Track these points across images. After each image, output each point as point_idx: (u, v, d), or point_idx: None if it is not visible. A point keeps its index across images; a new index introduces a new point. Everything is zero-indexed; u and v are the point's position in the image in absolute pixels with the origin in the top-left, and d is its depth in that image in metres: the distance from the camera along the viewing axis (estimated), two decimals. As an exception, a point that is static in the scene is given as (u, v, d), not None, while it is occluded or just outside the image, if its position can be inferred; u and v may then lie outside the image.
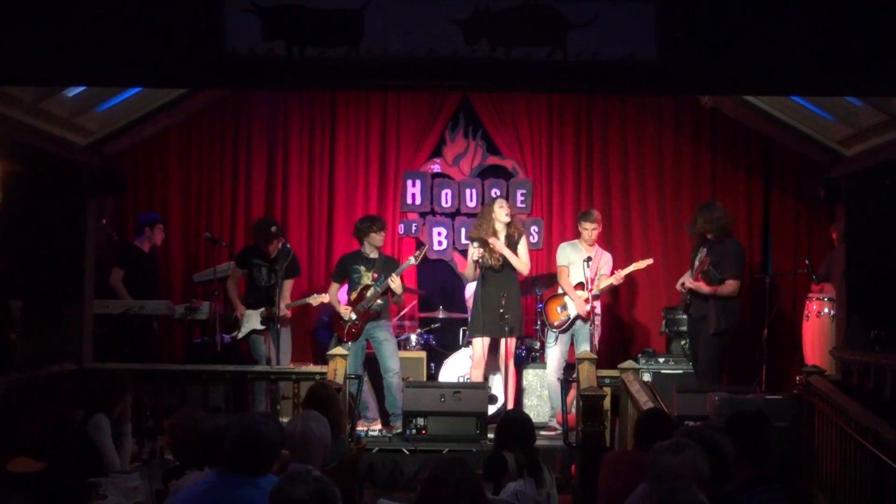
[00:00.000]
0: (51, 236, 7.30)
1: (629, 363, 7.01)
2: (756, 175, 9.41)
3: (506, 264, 7.95)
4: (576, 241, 8.38)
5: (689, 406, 6.60)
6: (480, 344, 8.01)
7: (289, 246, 8.20)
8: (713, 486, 3.31)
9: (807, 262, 8.53)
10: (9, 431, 4.69)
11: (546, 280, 8.83)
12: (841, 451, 5.88)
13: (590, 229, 8.19)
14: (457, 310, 9.07)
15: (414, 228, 9.50)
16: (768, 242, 9.34)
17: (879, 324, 7.14)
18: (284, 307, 8.10)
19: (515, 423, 5.01)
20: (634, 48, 5.57)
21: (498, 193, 9.34)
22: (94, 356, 7.57)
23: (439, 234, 9.54)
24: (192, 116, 9.30)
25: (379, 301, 8.07)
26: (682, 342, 8.39)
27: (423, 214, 9.57)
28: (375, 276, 8.08)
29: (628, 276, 8.41)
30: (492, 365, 8.20)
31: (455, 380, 8.36)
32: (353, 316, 8.03)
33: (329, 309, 8.53)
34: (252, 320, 8.17)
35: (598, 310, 8.04)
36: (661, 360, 8.52)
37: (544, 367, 8.42)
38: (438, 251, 9.51)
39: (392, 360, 8.03)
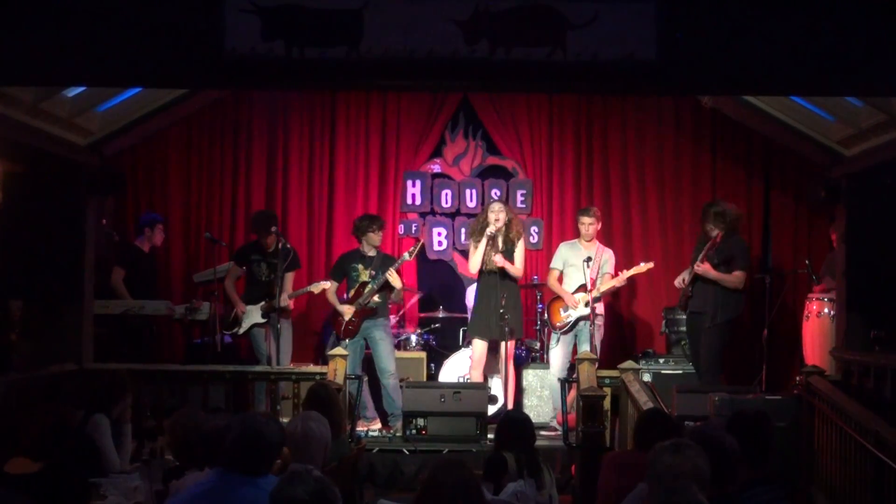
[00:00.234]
0: (51, 236, 7.30)
1: (629, 363, 7.00)
2: (756, 175, 9.41)
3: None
4: (575, 240, 8.38)
5: (689, 406, 6.61)
6: (480, 344, 8.01)
7: (289, 246, 8.20)
8: (716, 486, 3.31)
9: (807, 262, 8.53)
10: (9, 432, 4.69)
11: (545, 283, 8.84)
12: (841, 451, 5.88)
13: (586, 223, 8.19)
14: (457, 310, 9.08)
15: (414, 228, 9.50)
16: (768, 243, 9.34)
17: (879, 324, 7.14)
18: (287, 297, 8.09)
19: (515, 423, 5.01)
20: (634, 48, 5.57)
21: (498, 194, 9.34)
22: (94, 356, 7.57)
23: (439, 234, 9.54)
24: (192, 116, 9.30)
25: (376, 298, 8.07)
26: (682, 342, 8.39)
27: (423, 214, 9.57)
28: (373, 273, 8.08)
29: (629, 277, 8.40)
30: (492, 365, 8.20)
31: (455, 380, 8.35)
32: (351, 313, 8.03)
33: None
34: (253, 315, 8.17)
35: (598, 310, 8.03)
36: (661, 360, 8.52)
37: (544, 368, 8.43)
38: (438, 251, 9.51)
39: (387, 360, 8.02)
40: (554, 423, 8.02)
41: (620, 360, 7.13)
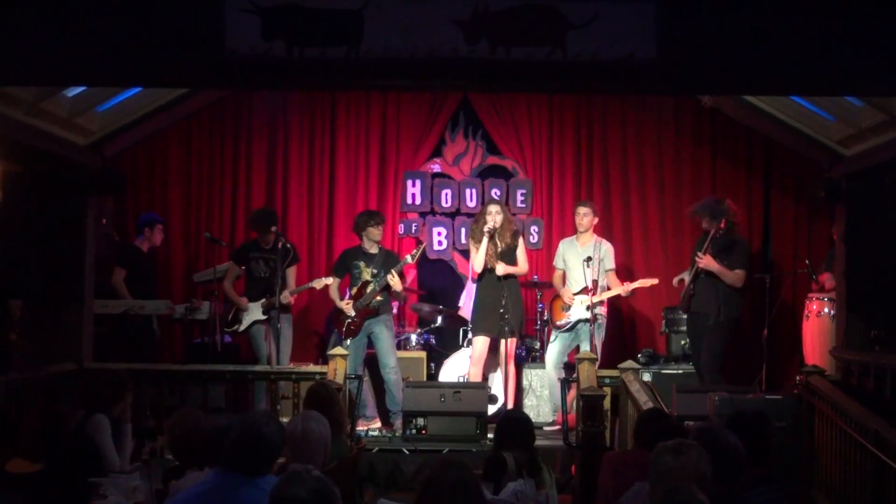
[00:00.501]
0: (51, 236, 7.30)
1: (629, 363, 7.00)
2: (756, 175, 9.41)
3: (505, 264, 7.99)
4: (572, 237, 8.38)
5: (689, 406, 6.61)
6: (481, 342, 8.02)
7: (289, 246, 8.20)
8: (720, 486, 3.31)
9: (807, 262, 8.53)
10: (8, 432, 4.70)
11: (546, 283, 8.84)
12: (841, 451, 5.88)
13: (581, 214, 8.19)
14: (457, 309, 9.08)
15: (414, 228, 9.50)
16: (768, 242, 9.34)
17: (879, 324, 7.14)
18: (288, 293, 8.08)
19: (515, 423, 5.01)
20: (634, 48, 5.57)
21: (498, 194, 9.35)
22: (94, 356, 7.57)
23: (439, 234, 9.54)
24: (192, 116, 9.30)
25: (379, 298, 8.07)
26: (683, 342, 8.39)
27: (423, 214, 9.57)
28: (374, 272, 8.08)
29: (634, 289, 8.38)
30: (492, 364, 8.20)
31: (455, 380, 8.36)
32: (353, 313, 8.03)
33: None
34: (253, 312, 8.17)
35: (600, 310, 8.03)
36: (661, 360, 8.52)
37: (544, 368, 8.44)
38: (438, 251, 9.51)
39: (388, 355, 8.02)
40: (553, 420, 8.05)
41: (620, 360, 7.13)
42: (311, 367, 7.66)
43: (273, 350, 8.03)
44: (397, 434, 7.73)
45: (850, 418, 5.73)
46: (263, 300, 8.12)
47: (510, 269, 7.93)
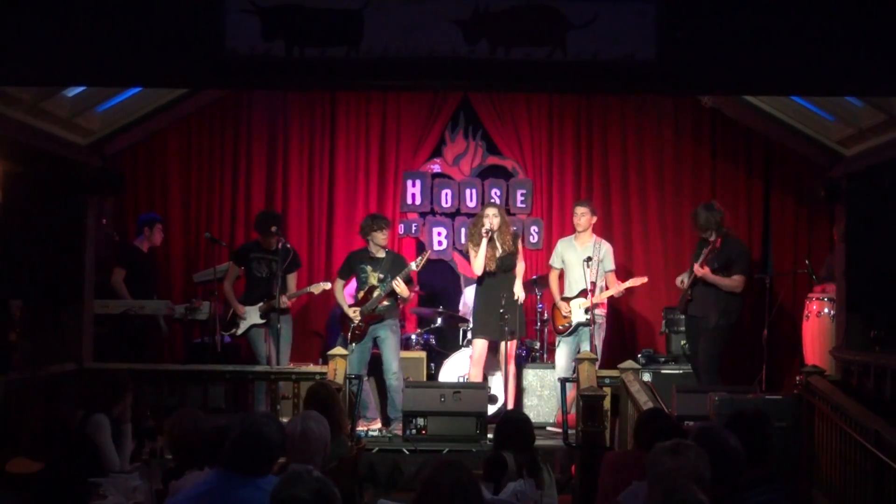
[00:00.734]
0: (51, 236, 7.29)
1: (629, 363, 7.00)
2: (756, 175, 9.41)
3: (504, 268, 7.97)
4: (570, 236, 8.38)
5: (689, 406, 6.61)
6: (481, 343, 8.02)
7: (289, 246, 8.19)
8: (719, 486, 3.30)
9: (807, 262, 8.53)
10: (9, 432, 4.70)
11: (546, 281, 8.83)
12: (841, 451, 5.88)
13: (578, 214, 8.19)
14: (457, 310, 9.08)
15: (414, 228, 9.50)
16: (768, 242, 9.34)
17: (879, 324, 7.13)
18: (286, 298, 8.07)
19: (515, 423, 5.01)
20: (634, 48, 5.57)
21: (498, 194, 9.36)
22: (94, 356, 7.57)
23: (439, 234, 9.54)
24: (192, 116, 9.30)
25: (385, 303, 8.05)
26: (682, 342, 8.39)
27: (423, 214, 9.58)
28: (381, 276, 8.06)
29: (626, 289, 8.38)
30: (492, 364, 8.21)
31: (455, 380, 8.36)
32: (358, 318, 8.01)
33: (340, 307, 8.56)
34: (251, 316, 8.16)
35: (599, 311, 8.02)
36: (661, 360, 8.52)
37: (544, 368, 8.46)
38: (438, 251, 9.51)
39: (391, 360, 8.02)
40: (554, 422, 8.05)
41: (620, 360, 7.14)
42: (311, 368, 7.65)
43: (273, 350, 8.02)
44: (397, 434, 7.73)
45: (850, 418, 5.73)
46: (261, 304, 8.11)
47: (518, 289, 7.97)
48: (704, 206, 7.88)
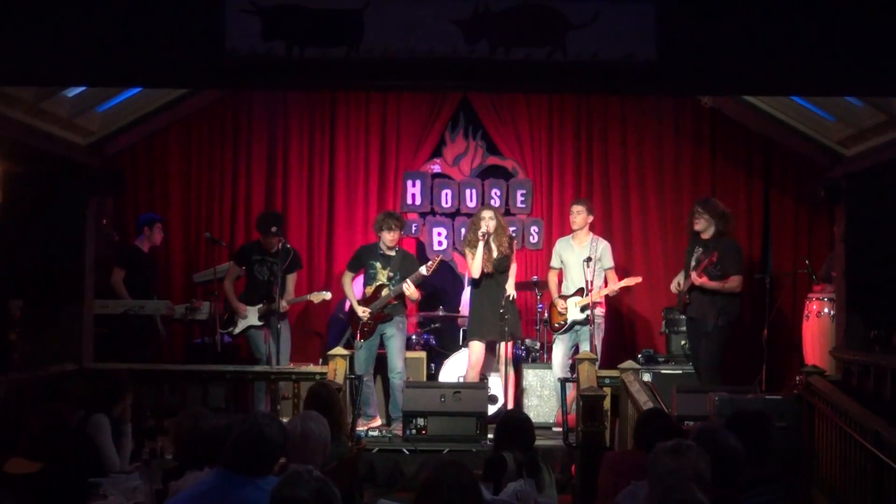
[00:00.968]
0: (51, 236, 7.29)
1: (629, 363, 7.01)
2: (756, 175, 9.41)
3: (500, 269, 7.98)
4: (568, 236, 8.37)
5: (689, 406, 6.61)
6: (478, 346, 8.01)
7: (289, 246, 8.19)
8: (720, 487, 3.30)
9: (807, 262, 8.53)
10: (8, 432, 4.70)
11: (546, 283, 8.83)
12: (841, 451, 5.88)
13: (574, 212, 8.18)
14: (457, 310, 9.07)
15: (414, 229, 9.49)
16: (768, 242, 9.34)
17: (879, 324, 7.13)
18: (286, 302, 8.07)
19: (515, 423, 5.00)
20: (634, 48, 5.57)
21: (498, 194, 9.36)
22: (94, 356, 7.57)
23: (439, 234, 9.54)
24: (192, 116, 9.30)
25: (393, 302, 8.05)
26: (682, 342, 8.39)
27: (423, 214, 9.57)
28: (391, 275, 8.05)
29: (621, 288, 8.38)
30: (491, 365, 8.20)
31: (455, 380, 8.35)
32: (367, 316, 8.00)
33: (342, 305, 8.51)
34: (250, 317, 8.16)
35: (597, 310, 8.02)
36: (661, 360, 8.52)
37: (544, 368, 8.45)
38: (438, 251, 9.49)
39: (396, 359, 8.02)
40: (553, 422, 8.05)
41: (620, 360, 7.13)
42: (311, 368, 7.65)
43: (272, 350, 8.02)
44: (397, 434, 7.73)
45: (850, 418, 5.73)
46: (261, 305, 8.11)
47: (510, 287, 7.97)
48: (705, 202, 7.88)
